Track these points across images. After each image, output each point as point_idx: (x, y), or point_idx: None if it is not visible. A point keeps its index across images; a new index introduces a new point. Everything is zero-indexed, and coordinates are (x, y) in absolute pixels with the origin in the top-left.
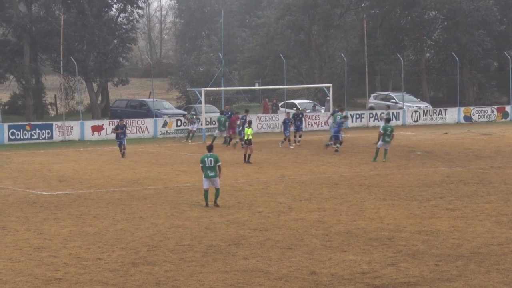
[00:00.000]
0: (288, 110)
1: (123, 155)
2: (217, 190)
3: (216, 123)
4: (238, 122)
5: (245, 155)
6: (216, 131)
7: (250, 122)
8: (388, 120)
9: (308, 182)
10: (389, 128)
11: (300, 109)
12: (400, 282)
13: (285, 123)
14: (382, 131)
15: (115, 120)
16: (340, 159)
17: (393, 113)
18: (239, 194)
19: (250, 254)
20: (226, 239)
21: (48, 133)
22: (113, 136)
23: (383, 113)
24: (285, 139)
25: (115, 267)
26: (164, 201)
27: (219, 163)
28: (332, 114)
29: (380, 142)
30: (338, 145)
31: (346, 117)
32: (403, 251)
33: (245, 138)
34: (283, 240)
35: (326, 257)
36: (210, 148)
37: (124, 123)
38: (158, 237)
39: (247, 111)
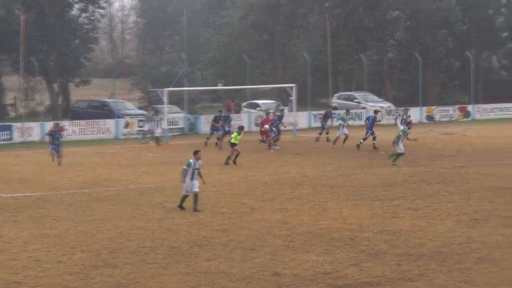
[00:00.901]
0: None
1: (59, 163)
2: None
3: (156, 123)
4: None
5: (229, 157)
6: (158, 130)
7: (241, 128)
8: (407, 123)
9: (271, 182)
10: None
11: (283, 109)
12: (363, 282)
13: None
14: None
15: (76, 121)
16: (304, 159)
17: (355, 113)
18: (202, 195)
19: (212, 256)
20: (188, 241)
21: (7, 134)
22: (74, 137)
23: (399, 114)
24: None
25: (75, 270)
26: (125, 203)
27: (183, 167)
28: (339, 118)
29: None
30: (362, 141)
31: (377, 111)
32: (366, 251)
33: (231, 140)
34: (245, 241)
35: (289, 257)
36: (194, 153)
37: (59, 128)
38: (120, 239)
39: (220, 111)
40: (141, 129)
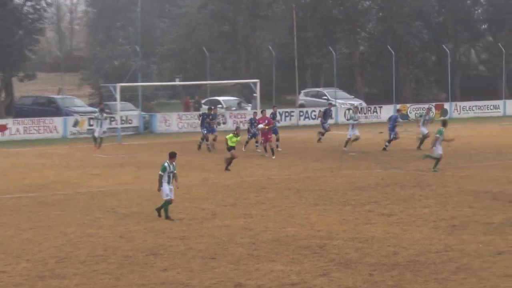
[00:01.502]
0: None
1: None
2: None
3: (99, 122)
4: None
5: (230, 160)
6: (98, 129)
7: (238, 128)
8: (443, 121)
9: (233, 186)
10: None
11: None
12: None
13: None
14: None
15: (20, 119)
16: (268, 161)
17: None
18: (158, 199)
19: (169, 265)
20: (143, 249)
21: None
22: (18, 136)
23: (421, 115)
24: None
25: (20, 281)
26: (75, 208)
27: (159, 172)
28: (349, 117)
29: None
30: (388, 144)
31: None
32: (336, 260)
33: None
34: (205, 249)
35: (253, 267)
36: (170, 155)
37: None
38: (68, 247)
39: (211, 109)
40: (91, 128)
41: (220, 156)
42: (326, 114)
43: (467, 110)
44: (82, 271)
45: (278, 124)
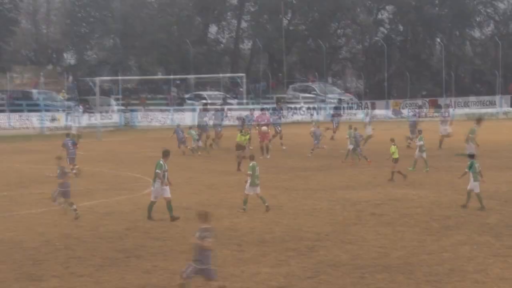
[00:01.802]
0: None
1: None
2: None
3: (76, 118)
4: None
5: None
6: (74, 128)
7: (243, 126)
8: (477, 119)
9: (218, 185)
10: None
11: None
12: None
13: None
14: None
15: None
16: (256, 158)
17: (314, 107)
18: (141, 199)
19: (151, 267)
20: (124, 250)
21: None
22: None
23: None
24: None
25: None
26: (53, 207)
27: (155, 170)
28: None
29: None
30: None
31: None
32: (324, 261)
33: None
34: (189, 251)
35: (238, 269)
36: (165, 153)
37: None
38: (46, 248)
39: (206, 105)
40: (69, 123)
41: (204, 155)
42: (337, 111)
43: (462, 106)
44: (60, 273)
45: (281, 121)
